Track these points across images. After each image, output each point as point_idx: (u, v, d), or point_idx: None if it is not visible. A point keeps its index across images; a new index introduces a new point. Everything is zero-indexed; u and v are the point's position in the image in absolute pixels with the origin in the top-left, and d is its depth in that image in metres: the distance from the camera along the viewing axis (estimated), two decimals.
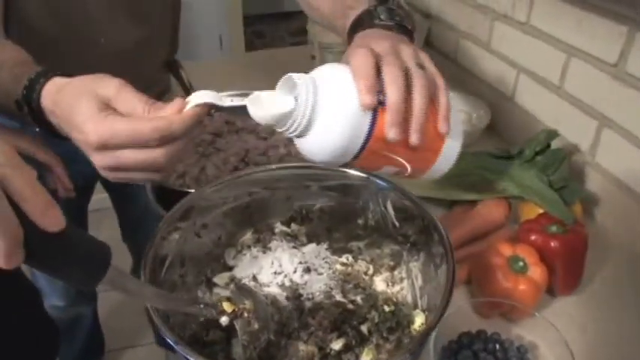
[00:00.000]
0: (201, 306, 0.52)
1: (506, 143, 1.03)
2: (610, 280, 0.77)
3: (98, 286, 0.40)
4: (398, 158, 0.51)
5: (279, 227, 0.67)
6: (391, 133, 0.48)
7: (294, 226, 0.67)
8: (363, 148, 0.49)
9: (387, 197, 0.62)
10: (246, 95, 0.51)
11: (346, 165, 0.52)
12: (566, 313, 0.71)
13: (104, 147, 0.47)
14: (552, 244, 0.70)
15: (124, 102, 0.49)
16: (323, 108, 0.48)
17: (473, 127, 1.01)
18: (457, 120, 0.54)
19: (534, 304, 0.67)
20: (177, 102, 0.49)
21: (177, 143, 0.48)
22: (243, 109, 0.50)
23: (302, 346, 0.53)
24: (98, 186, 1.18)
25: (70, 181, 0.81)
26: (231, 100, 0.50)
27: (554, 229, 0.72)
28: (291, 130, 0.48)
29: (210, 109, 0.51)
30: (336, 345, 0.53)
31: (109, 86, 0.49)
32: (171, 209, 0.61)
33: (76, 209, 1.15)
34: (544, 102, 1.00)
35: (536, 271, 0.67)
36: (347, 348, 0.53)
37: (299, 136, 0.50)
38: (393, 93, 0.48)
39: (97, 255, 0.39)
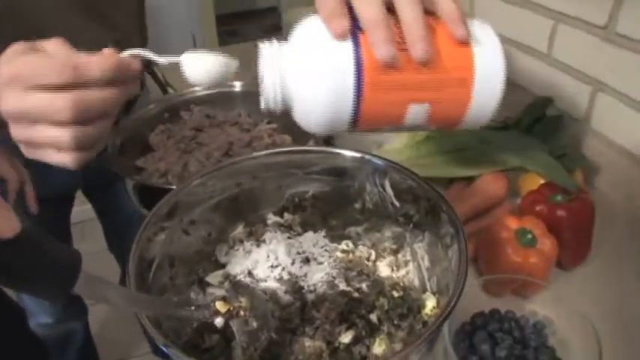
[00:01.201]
0: (193, 308, 0.47)
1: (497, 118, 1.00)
2: (618, 247, 0.74)
3: (68, 295, 0.35)
4: (419, 90, 0.42)
5: (271, 218, 0.63)
6: (381, 51, 0.39)
7: (287, 215, 0.63)
8: (358, 88, 0.40)
9: (384, 177, 0.58)
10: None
11: (356, 124, 0.44)
12: (578, 285, 0.68)
13: (14, 80, 0.40)
14: (559, 213, 0.67)
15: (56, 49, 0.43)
16: (294, 68, 0.41)
17: None
18: (485, 30, 0.44)
19: (546, 277, 0.64)
20: (106, 51, 0.43)
21: (92, 90, 0.41)
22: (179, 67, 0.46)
23: (308, 342, 0.49)
24: (81, 198, 1.13)
25: (34, 197, 0.77)
26: (166, 58, 0.45)
27: (559, 198, 0.69)
28: (270, 107, 0.43)
29: (144, 64, 0.46)
30: (346, 338, 0.49)
31: (52, 40, 0.44)
32: (152, 210, 0.56)
33: (56, 221, 1.10)
34: (533, 71, 0.97)
35: (546, 243, 0.64)
36: (357, 340, 0.49)
37: (284, 109, 0.44)
38: (364, 5, 0.40)
39: (64, 262, 0.35)
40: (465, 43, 0.42)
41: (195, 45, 2.42)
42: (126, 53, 0.44)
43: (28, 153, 0.45)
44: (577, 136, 0.88)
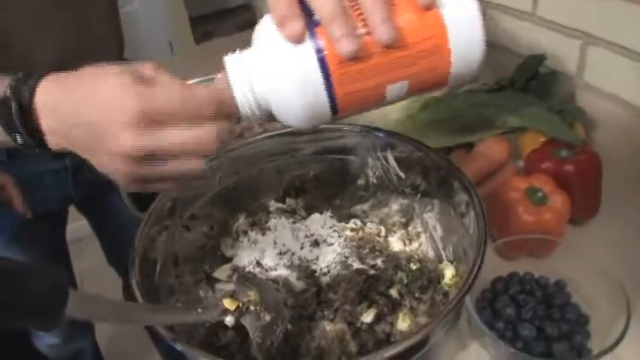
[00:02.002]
0: (199, 311, 0.44)
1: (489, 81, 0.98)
2: (627, 197, 0.73)
3: (61, 320, 0.33)
4: (393, 70, 0.40)
5: (273, 205, 0.60)
6: (342, 46, 0.37)
7: (289, 200, 0.61)
8: (329, 86, 0.39)
9: (386, 149, 0.56)
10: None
11: (337, 114, 0.42)
12: (593, 238, 0.67)
13: (148, 121, 0.36)
14: (566, 168, 0.65)
15: (167, 76, 0.39)
16: (261, 76, 0.39)
17: None
18: None
19: (562, 233, 0.63)
20: (223, 75, 0.40)
21: (224, 120, 0.39)
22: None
23: (329, 326, 0.46)
24: (77, 215, 1.10)
25: (25, 203, 0.73)
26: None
27: (563, 153, 0.67)
28: (250, 117, 0.42)
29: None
30: (367, 317, 0.47)
31: (144, 65, 0.39)
32: (150, 208, 0.53)
33: (51, 239, 1.07)
34: (519, 33, 0.95)
35: (557, 199, 0.62)
36: (379, 318, 0.47)
37: (264, 114, 0.42)
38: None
39: (48, 289, 0.32)
40: (431, 6, 0.39)
41: (172, 50, 2.38)
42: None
43: (137, 188, 0.41)
44: (571, 93, 0.86)
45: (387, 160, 0.56)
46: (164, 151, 0.37)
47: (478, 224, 0.44)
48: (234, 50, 0.42)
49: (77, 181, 0.89)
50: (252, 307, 0.44)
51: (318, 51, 0.38)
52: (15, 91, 0.39)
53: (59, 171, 0.87)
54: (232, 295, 0.46)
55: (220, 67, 0.96)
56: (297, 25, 0.38)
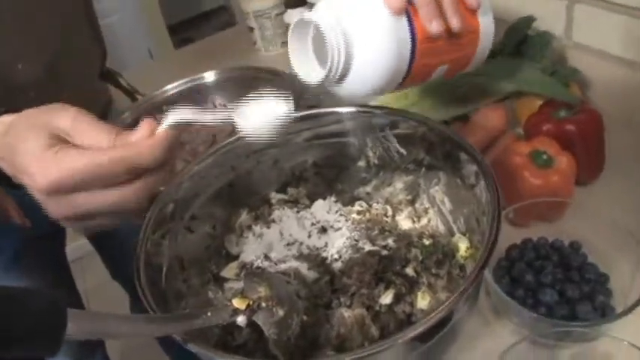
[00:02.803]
0: (208, 314, 0.41)
1: None
2: (630, 153, 0.72)
3: (62, 343, 0.31)
4: (447, 54, 0.51)
5: (275, 197, 0.59)
6: (433, 26, 0.46)
7: (290, 190, 0.59)
8: (412, 57, 0.47)
9: (385, 126, 0.54)
10: (225, 107, 0.45)
11: (400, 86, 0.50)
12: (601, 197, 0.66)
13: (57, 190, 0.37)
14: (568, 128, 0.64)
15: (82, 134, 0.39)
16: (356, 40, 0.45)
17: None
18: None
19: (570, 194, 0.61)
20: (145, 124, 0.40)
21: (149, 176, 0.39)
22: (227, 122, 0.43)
23: (347, 313, 0.45)
24: (74, 234, 1.08)
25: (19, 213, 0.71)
26: (213, 115, 0.42)
27: (563, 113, 0.66)
28: (331, 76, 0.46)
29: (188, 127, 0.43)
30: (386, 298, 0.45)
31: (63, 117, 0.39)
32: (149, 212, 0.52)
33: (52, 260, 1.05)
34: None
35: (562, 160, 0.61)
36: (398, 299, 0.46)
37: (338, 82, 0.47)
38: None
39: (46, 308, 0.31)
40: (476, 8, 0.52)
41: (152, 57, 2.35)
42: (166, 123, 0.40)
43: (68, 225, 0.42)
44: (562, 54, 0.85)
45: (386, 138, 0.55)
46: (82, 214, 0.38)
47: (490, 193, 0.43)
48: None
49: None
50: (263, 304, 0.42)
51: (410, 25, 0.46)
52: None
53: None
54: (242, 294, 0.44)
55: (199, 70, 0.93)
56: (402, 0, 0.45)
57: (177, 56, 1.58)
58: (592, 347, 0.49)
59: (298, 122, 0.57)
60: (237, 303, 0.42)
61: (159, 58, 2.34)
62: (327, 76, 0.45)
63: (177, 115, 0.40)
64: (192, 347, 0.39)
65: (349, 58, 0.45)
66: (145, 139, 0.39)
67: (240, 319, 0.42)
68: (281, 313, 0.42)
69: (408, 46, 0.47)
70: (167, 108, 0.90)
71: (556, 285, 0.52)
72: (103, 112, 0.88)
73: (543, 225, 0.61)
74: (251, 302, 0.42)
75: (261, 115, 0.41)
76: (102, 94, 0.95)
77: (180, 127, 0.87)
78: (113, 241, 1.08)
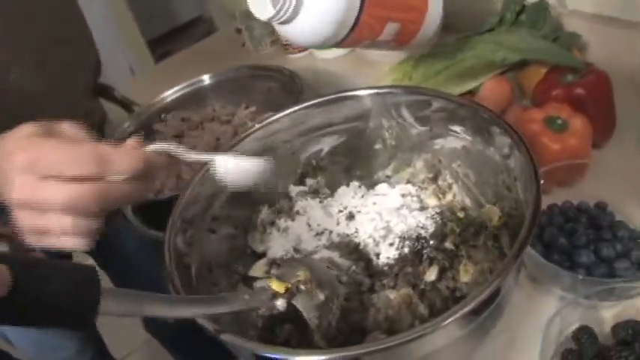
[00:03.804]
0: (246, 297, 0.41)
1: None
2: (636, 111, 0.71)
3: (96, 316, 0.31)
4: (396, 10, 0.52)
5: (293, 190, 0.57)
6: None
7: (309, 181, 0.58)
8: (362, 4, 0.48)
9: (400, 105, 0.53)
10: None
11: (348, 36, 0.50)
12: (618, 155, 0.65)
13: (30, 167, 0.36)
14: (577, 91, 0.64)
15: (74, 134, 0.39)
16: None
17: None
18: None
19: (589, 154, 0.61)
20: (131, 140, 0.40)
21: (116, 182, 0.38)
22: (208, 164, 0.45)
23: (392, 294, 0.44)
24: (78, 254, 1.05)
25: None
26: (196, 155, 0.42)
27: (570, 78, 0.66)
28: (279, 17, 0.46)
29: (169, 159, 0.42)
30: (431, 275, 0.44)
31: (58, 123, 0.40)
32: (169, 220, 0.50)
33: None
34: None
35: (577, 123, 0.61)
36: (441, 275, 0.45)
37: (288, 20, 0.48)
38: None
39: (78, 286, 0.30)
40: None
41: (133, 74, 2.32)
42: (151, 147, 0.40)
43: (35, 240, 0.40)
44: (558, 23, 0.85)
45: (402, 117, 0.54)
46: (45, 204, 0.36)
47: (527, 162, 0.42)
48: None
49: None
50: (302, 287, 0.41)
51: None
52: None
53: None
54: (279, 278, 0.43)
55: (181, 80, 0.90)
56: None
57: (157, 71, 1.55)
58: (634, 304, 0.48)
59: (310, 109, 0.56)
60: (276, 286, 0.40)
61: (141, 74, 2.31)
62: (277, 13, 0.46)
63: (162, 145, 0.40)
64: (226, 337, 0.38)
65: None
66: (127, 147, 0.39)
67: (280, 303, 0.40)
68: (321, 296, 0.41)
69: None
70: (166, 115, 0.89)
71: (590, 245, 0.51)
72: (99, 127, 0.87)
73: (564, 190, 0.61)
74: (290, 285, 0.41)
75: (240, 168, 0.42)
76: (96, 109, 0.93)
77: (182, 131, 0.86)
78: (120, 260, 1.06)
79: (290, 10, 0.46)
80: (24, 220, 0.38)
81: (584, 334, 0.44)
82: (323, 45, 0.51)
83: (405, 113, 0.54)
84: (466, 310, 0.35)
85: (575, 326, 0.46)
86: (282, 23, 0.49)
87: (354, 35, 0.50)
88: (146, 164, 0.38)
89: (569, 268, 0.50)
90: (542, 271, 0.50)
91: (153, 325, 1.16)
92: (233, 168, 0.42)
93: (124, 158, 0.37)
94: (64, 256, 1.03)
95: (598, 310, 0.48)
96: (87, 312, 0.30)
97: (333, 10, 0.47)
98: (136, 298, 0.34)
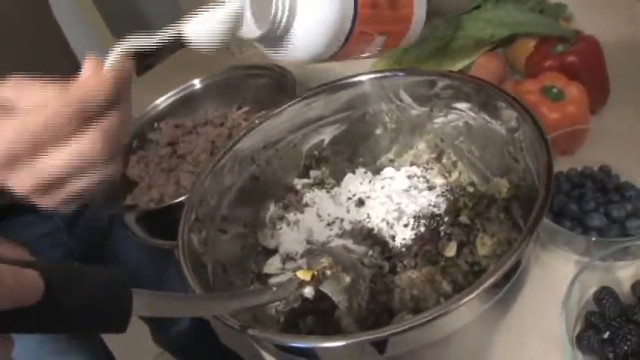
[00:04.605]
0: (274, 289, 0.41)
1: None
2: (629, 74, 0.72)
3: (129, 319, 0.31)
4: (385, 24, 0.51)
5: (298, 183, 0.57)
6: None
7: (313, 172, 0.57)
8: (353, 21, 0.46)
9: (397, 87, 0.53)
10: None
11: (340, 50, 0.48)
12: (616, 119, 0.66)
13: (13, 160, 0.33)
14: (569, 60, 0.64)
15: (28, 97, 0.35)
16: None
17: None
18: None
19: (587, 121, 0.61)
20: (88, 63, 0.35)
21: (104, 119, 0.35)
22: (178, 39, 0.40)
23: (414, 274, 0.44)
24: None
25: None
26: (161, 35, 0.39)
27: (560, 48, 0.66)
28: (273, 30, 0.44)
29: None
30: (451, 251, 0.44)
31: (3, 87, 0.36)
32: (179, 226, 0.50)
33: None
34: None
35: (572, 90, 0.61)
36: (459, 250, 0.45)
37: (278, 40, 0.45)
38: None
39: (112, 285, 0.30)
40: None
41: None
42: (110, 57, 0.36)
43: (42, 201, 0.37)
44: None
45: (401, 100, 0.54)
46: (48, 182, 0.34)
47: (537, 135, 0.42)
48: None
49: (73, 235, 0.84)
50: (328, 272, 0.41)
51: None
52: None
53: (53, 232, 0.82)
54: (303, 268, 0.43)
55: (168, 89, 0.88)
56: None
57: (138, 82, 1.52)
58: None
59: (307, 99, 0.55)
60: (302, 275, 0.40)
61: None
62: (269, 31, 0.43)
63: (121, 47, 0.36)
64: (252, 332, 0.38)
65: (292, 13, 0.43)
66: (91, 78, 0.35)
67: (307, 290, 0.40)
68: (348, 279, 0.41)
69: (351, 8, 0.46)
70: (159, 123, 0.88)
71: (600, 209, 0.52)
72: None
73: (567, 158, 0.61)
74: (316, 272, 0.40)
75: (211, 23, 0.40)
76: None
77: (177, 138, 0.84)
78: (122, 266, 1.04)
79: (283, 22, 0.43)
80: (40, 200, 0.36)
81: (605, 294, 0.45)
82: (314, 61, 0.49)
83: (402, 94, 0.54)
84: (489, 283, 0.35)
85: (594, 289, 0.47)
86: (273, 41, 0.46)
87: (343, 51, 0.49)
88: (119, 84, 0.34)
89: (582, 233, 0.50)
90: (556, 238, 0.50)
91: (163, 337, 1.15)
92: (204, 30, 0.40)
93: (97, 91, 0.34)
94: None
95: (615, 271, 0.48)
96: (118, 316, 0.30)
97: (326, 20, 0.45)
98: (165, 299, 0.33)
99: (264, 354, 0.47)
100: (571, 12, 0.82)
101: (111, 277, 0.31)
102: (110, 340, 1.03)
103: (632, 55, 0.75)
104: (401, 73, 0.52)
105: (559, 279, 0.49)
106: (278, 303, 0.47)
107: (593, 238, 0.47)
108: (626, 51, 0.75)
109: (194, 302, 0.37)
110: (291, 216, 0.54)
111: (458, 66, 0.73)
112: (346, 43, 0.48)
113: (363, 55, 0.54)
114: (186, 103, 0.86)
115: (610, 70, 0.69)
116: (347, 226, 0.50)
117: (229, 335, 1.15)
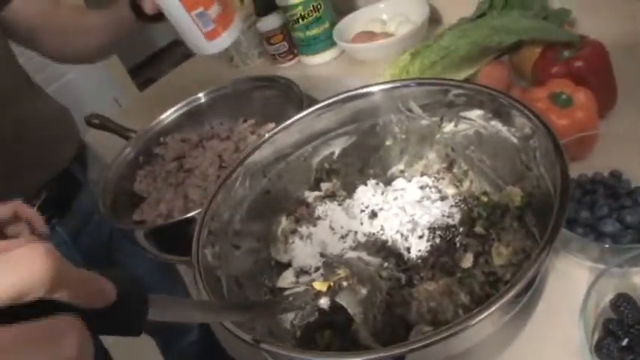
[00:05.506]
0: (290, 299, 0.41)
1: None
2: (635, 77, 0.72)
3: (145, 324, 0.30)
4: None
5: (309, 196, 0.57)
6: None
7: (324, 185, 0.58)
8: None
9: (407, 98, 0.53)
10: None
11: None
12: (626, 123, 0.66)
13: None
14: (576, 65, 0.64)
15: None
16: None
17: (415, 25, 0.94)
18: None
19: (596, 126, 0.61)
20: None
21: None
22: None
23: (431, 286, 0.43)
24: None
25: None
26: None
27: (566, 54, 0.66)
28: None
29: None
30: (467, 262, 0.44)
31: None
32: (192, 241, 0.49)
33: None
34: None
35: (581, 97, 0.61)
36: (475, 261, 0.45)
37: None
38: None
39: (133, 292, 0.30)
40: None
41: (120, 105, 2.31)
42: None
43: None
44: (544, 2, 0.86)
45: (410, 110, 0.54)
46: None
47: (552, 143, 0.42)
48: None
49: (79, 247, 0.84)
50: (344, 283, 0.41)
51: None
52: None
53: (59, 245, 0.82)
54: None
55: (173, 103, 0.92)
56: None
57: (142, 99, 1.53)
58: None
59: (315, 113, 0.55)
60: (319, 285, 0.41)
61: (128, 104, 2.30)
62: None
63: None
64: (265, 346, 0.37)
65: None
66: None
67: (323, 301, 0.41)
68: (364, 291, 0.41)
69: None
70: (164, 138, 0.87)
71: (613, 215, 0.51)
72: (79, 157, 0.83)
73: (576, 164, 0.61)
74: (332, 283, 0.40)
75: None
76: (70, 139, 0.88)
77: (184, 152, 0.84)
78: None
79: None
80: None
81: (622, 301, 0.44)
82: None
83: (412, 105, 0.54)
84: (510, 295, 0.35)
85: (611, 296, 0.46)
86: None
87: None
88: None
89: (596, 240, 0.50)
90: (569, 245, 0.50)
91: (171, 354, 1.15)
92: None
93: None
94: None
95: (631, 277, 0.48)
96: (135, 320, 0.29)
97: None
98: (182, 305, 0.33)
99: None
100: (575, 17, 0.82)
101: (133, 280, 0.30)
102: (115, 353, 1.03)
103: (636, 57, 0.75)
104: (411, 84, 0.52)
105: (573, 286, 0.49)
106: (294, 317, 0.47)
107: (607, 245, 0.47)
108: (631, 53, 0.75)
109: (211, 309, 0.37)
110: (303, 229, 0.54)
111: (462, 75, 0.73)
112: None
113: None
114: (192, 117, 0.86)
115: (615, 74, 0.69)
116: (361, 239, 0.50)
117: (237, 349, 1.14)
